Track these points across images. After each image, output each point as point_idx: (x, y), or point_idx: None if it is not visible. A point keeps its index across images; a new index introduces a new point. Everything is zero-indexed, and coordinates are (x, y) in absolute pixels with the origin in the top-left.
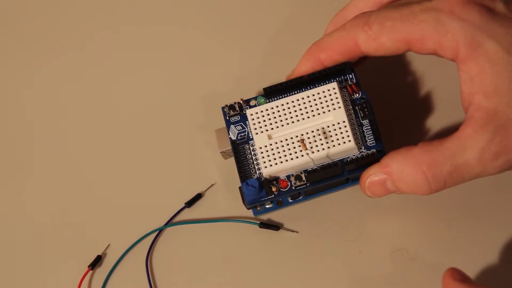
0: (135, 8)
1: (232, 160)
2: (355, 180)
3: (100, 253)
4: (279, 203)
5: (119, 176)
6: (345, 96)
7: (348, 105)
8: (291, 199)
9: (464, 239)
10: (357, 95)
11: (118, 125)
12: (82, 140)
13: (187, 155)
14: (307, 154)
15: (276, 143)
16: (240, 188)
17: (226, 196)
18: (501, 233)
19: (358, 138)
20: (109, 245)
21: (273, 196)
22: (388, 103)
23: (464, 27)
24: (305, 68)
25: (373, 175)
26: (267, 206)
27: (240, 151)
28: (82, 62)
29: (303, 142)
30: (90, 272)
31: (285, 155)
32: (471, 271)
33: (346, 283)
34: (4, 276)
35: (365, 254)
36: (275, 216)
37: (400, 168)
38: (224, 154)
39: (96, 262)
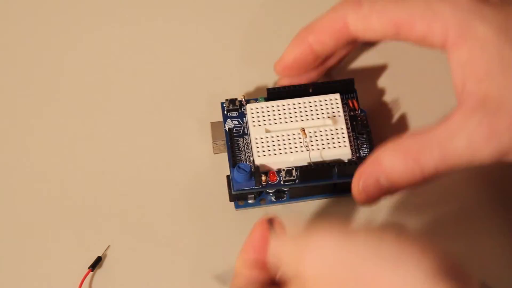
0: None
1: (223, 156)
2: (343, 191)
3: (100, 254)
4: (262, 201)
5: (119, 176)
6: (345, 110)
7: (347, 118)
8: (274, 198)
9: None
10: (357, 112)
11: (118, 125)
12: (81, 139)
13: (187, 155)
14: (306, 142)
15: (273, 137)
16: (228, 176)
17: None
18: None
19: (353, 146)
20: (109, 246)
21: (260, 186)
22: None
23: (454, 11)
24: (294, 53)
25: (364, 176)
26: (249, 201)
27: (234, 142)
28: (84, 58)
29: (303, 130)
30: (91, 273)
31: (280, 149)
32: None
33: None
34: (4, 277)
35: None
36: None
37: (391, 160)
38: (216, 147)
39: (96, 263)
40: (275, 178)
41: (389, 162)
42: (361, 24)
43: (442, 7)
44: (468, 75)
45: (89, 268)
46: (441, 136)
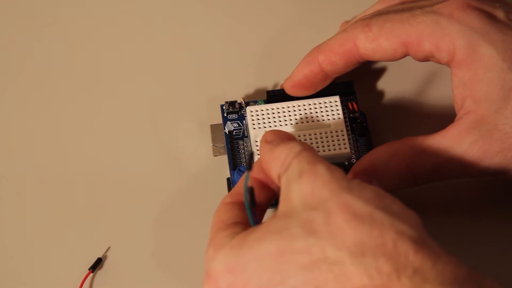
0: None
1: (223, 158)
2: None
3: (100, 256)
4: None
5: (119, 178)
6: (345, 112)
7: (346, 120)
8: (274, 202)
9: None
10: (356, 114)
11: (118, 127)
12: (82, 140)
13: (187, 157)
14: None
15: None
16: (228, 179)
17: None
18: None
19: (353, 149)
20: (109, 247)
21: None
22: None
23: (462, 31)
24: (304, 71)
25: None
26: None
27: (234, 144)
28: (85, 60)
29: None
30: (91, 274)
31: None
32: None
33: None
34: (4, 277)
35: None
36: None
37: (384, 163)
38: (216, 149)
39: (97, 264)
40: None
41: (383, 166)
42: (370, 45)
43: (450, 26)
44: (468, 93)
45: (89, 269)
46: (435, 147)
